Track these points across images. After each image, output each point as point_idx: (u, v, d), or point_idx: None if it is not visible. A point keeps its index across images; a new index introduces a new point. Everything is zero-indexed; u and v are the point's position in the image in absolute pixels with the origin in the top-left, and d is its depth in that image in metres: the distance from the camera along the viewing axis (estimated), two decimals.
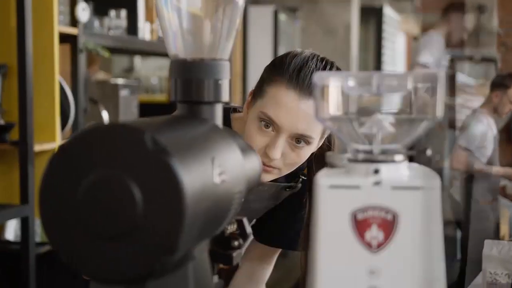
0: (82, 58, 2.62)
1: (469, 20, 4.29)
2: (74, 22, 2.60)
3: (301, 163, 1.27)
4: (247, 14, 4.54)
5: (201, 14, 0.78)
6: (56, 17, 2.41)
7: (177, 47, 0.77)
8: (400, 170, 0.66)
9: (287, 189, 1.39)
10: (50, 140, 2.42)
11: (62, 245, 0.60)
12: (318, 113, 0.67)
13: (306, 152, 1.25)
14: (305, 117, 1.20)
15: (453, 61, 4.46)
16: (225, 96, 0.77)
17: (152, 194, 0.58)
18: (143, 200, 0.57)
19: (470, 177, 4.29)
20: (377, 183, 0.64)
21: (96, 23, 2.87)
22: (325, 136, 1.30)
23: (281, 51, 5.95)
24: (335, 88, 0.67)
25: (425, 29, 9.80)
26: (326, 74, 0.68)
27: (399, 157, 0.67)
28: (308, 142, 1.23)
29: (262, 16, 5.21)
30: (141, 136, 0.58)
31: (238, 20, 0.79)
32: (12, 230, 2.56)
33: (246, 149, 0.81)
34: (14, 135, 2.35)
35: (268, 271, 1.53)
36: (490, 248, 1.83)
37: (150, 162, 0.58)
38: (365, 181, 0.65)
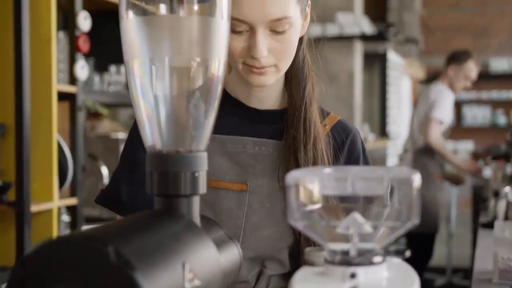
0: (81, 116, 2.62)
1: (473, 69, 4.26)
2: (73, 79, 2.61)
3: (294, 50, 1.16)
4: None
5: (178, 104, 0.77)
6: (54, 76, 2.42)
7: (154, 139, 0.76)
8: (378, 273, 0.64)
9: None
10: (47, 200, 2.41)
11: None
12: (291, 212, 0.65)
13: (292, 35, 1.14)
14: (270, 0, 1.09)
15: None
16: (202, 188, 0.75)
17: None
18: None
19: (424, 149, 4.20)
20: None
21: (97, 78, 2.88)
22: (306, 10, 1.19)
23: None
24: (309, 188, 0.65)
25: (429, 72, 9.86)
26: (300, 173, 0.66)
27: (377, 259, 0.64)
28: (289, 24, 1.12)
29: None
30: (104, 249, 0.56)
31: (215, 107, 0.78)
32: None
33: (223, 240, 0.79)
34: (11, 195, 2.33)
35: None
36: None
37: (113, 277, 0.55)
38: (341, 286, 0.62)
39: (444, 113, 4.07)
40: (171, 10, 0.79)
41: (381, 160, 6.37)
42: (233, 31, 1.11)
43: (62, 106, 2.59)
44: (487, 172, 5.45)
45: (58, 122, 2.50)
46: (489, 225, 2.75)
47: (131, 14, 0.73)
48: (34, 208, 2.33)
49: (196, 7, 0.73)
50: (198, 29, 0.74)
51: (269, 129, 1.24)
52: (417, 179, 0.63)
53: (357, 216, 0.66)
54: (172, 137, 0.75)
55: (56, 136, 2.44)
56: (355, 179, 0.65)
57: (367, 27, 5.51)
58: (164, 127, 0.75)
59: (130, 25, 0.74)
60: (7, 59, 2.36)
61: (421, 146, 4.21)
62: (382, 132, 7.17)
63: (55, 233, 2.44)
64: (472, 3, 9.87)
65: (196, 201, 0.75)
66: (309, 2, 1.21)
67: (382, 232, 0.65)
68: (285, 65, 1.17)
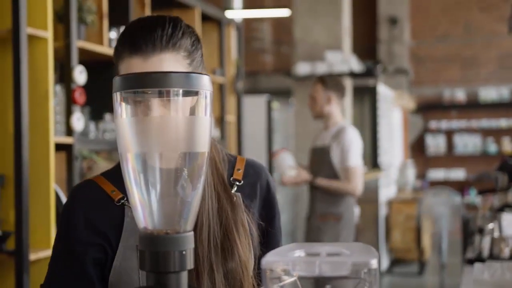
0: (77, 165, 2.72)
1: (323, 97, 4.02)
2: (69, 131, 2.71)
3: None
4: (242, 103, 4.69)
5: (167, 191, 0.86)
6: (52, 128, 2.52)
7: (146, 221, 0.86)
8: None
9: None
10: (46, 247, 2.50)
11: None
12: None
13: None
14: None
15: None
16: (190, 264, 0.85)
17: None
18: None
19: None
20: None
21: (92, 127, 2.98)
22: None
23: (275, 137, 6.13)
24: (282, 270, 0.75)
25: (420, 102, 10.00)
26: (274, 258, 0.76)
27: None
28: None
29: (256, 105, 5.39)
30: None
31: (200, 191, 0.88)
32: None
33: None
34: (10, 243, 2.42)
35: None
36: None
37: None
38: None
39: None
40: (160, 108, 0.90)
41: (373, 192, 6.46)
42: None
43: (59, 157, 2.69)
44: (477, 200, 5.52)
45: (55, 172, 2.60)
46: (475, 261, 2.83)
47: (124, 114, 0.84)
48: (33, 256, 2.41)
49: (182, 107, 0.83)
50: (184, 127, 0.85)
51: None
52: (374, 262, 0.73)
53: None
54: (162, 220, 0.85)
55: (53, 186, 2.53)
56: (322, 263, 0.74)
57: (355, 65, 5.64)
58: (155, 211, 0.85)
59: (124, 123, 0.84)
60: (7, 112, 2.47)
61: None
62: (374, 163, 7.27)
63: None
64: (459, 35, 10.06)
65: (184, 276, 0.85)
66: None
67: None
68: None
